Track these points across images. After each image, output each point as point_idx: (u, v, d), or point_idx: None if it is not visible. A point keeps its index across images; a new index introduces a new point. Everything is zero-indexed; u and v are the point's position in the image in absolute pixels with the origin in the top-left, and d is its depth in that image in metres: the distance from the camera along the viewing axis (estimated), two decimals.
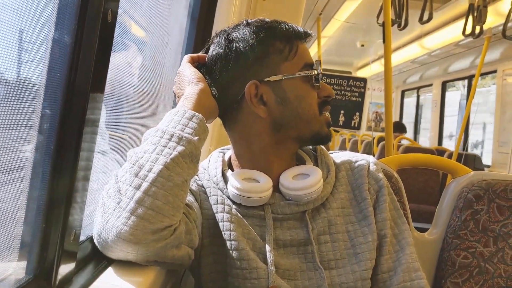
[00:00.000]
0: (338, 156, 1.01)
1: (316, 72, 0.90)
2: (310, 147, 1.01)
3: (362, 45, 6.07)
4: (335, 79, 2.20)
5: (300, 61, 0.89)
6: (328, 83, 2.31)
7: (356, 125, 2.17)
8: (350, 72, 8.29)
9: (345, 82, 2.24)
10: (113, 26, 0.63)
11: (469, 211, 1.15)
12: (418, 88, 8.08)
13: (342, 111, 2.21)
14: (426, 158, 1.24)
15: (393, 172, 1.18)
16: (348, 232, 0.90)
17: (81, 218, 0.65)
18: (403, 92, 8.77)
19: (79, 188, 0.62)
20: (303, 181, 0.88)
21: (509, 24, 3.35)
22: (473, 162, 5.05)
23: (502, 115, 4.90)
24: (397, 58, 6.48)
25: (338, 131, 7.34)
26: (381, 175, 0.96)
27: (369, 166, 0.96)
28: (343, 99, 2.21)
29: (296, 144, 0.93)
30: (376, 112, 8.68)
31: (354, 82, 2.24)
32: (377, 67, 7.20)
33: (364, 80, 2.26)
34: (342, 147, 6.67)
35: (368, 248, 0.88)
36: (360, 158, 0.98)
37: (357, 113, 2.17)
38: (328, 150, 1.06)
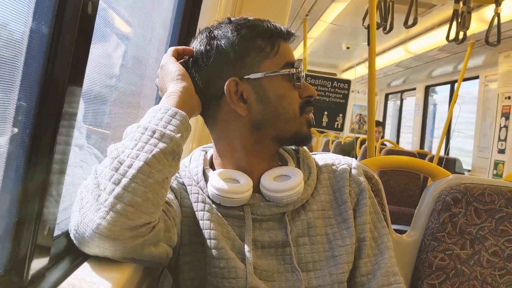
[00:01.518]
0: (320, 157, 1.01)
1: (297, 70, 0.89)
2: (293, 147, 1.01)
3: (348, 48, 6.10)
4: (320, 80, 2.20)
5: (281, 60, 0.89)
6: (312, 84, 2.34)
7: (339, 126, 2.17)
8: (335, 74, 8.32)
9: (329, 83, 2.24)
10: (93, 18, 0.62)
11: (447, 214, 1.16)
12: (401, 92, 8.17)
13: (325, 112, 2.21)
14: (407, 161, 1.25)
15: (374, 174, 1.19)
16: (327, 234, 0.91)
17: (56, 212, 0.63)
18: (387, 95, 8.86)
19: (54, 182, 0.61)
20: (284, 183, 0.88)
21: (492, 31, 3.40)
22: (454, 165, 5.13)
23: (483, 121, 4.98)
24: (382, 61, 6.53)
25: (323, 132, 7.40)
26: (362, 178, 0.96)
27: (351, 169, 0.97)
28: (326, 100, 2.21)
29: (276, 144, 0.93)
30: (360, 114, 8.74)
31: (338, 83, 2.24)
32: (362, 70, 7.26)
33: (348, 82, 2.26)
34: (326, 149, 6.70)
35: (346, 251, 0.89)
36: (343, 161, 0.98)
37: (341, 115, 2.17)
38: (312, 151, 1.06)
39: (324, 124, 1.99)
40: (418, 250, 1.19)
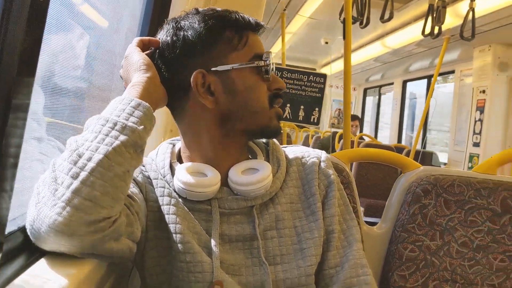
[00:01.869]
0: (291, 150, 1.01)
1: (265, 63, 0.88)
2: (264, 140, 1.01)
3: (326, 42, 6.12)
4: (296, 74, 2.19)
5: (250, 52, 0.88)
6: (288, 78, 2.32)
7: (315, 120, 2.16)
8: (314, 69, 8.36)
9: (305, 77, 2.24)
10: (45, 6, 0.60)
11: (417, 205, 1.17)
12: (380, 87, 8.24)
13: (302, 107, 2.21)
14: (378, 153, 1.25)
15: (345, 166, 1.19)
16: (296, 227, 0.90)
17: (8, 207, 0.61)
18: (365, 90, 8.92)
19: (6, 177, 0.58)
20: (252, 176, 0.88)
21: (467, 26, 3.44)
22: (431, 159, 5.21)
23: (458, 116, 5.06)
24: (360, 56, 6.57)
25: (303, 127, 7.44)
26: (331, 171, 0.96)
27: (320, 162, 0.96)
28: (303, 94, 2.21)
29: (245, 137, 0.92)
30: (339, 109, 8.80)
31: (314, 77, 2.23)
32: (341, 65, 7.29)
33: (324, 76, 2.26)
34: (306, 143, 6.73)
35: (314, 244, 0.88)
36: (313, 154, 0.98)
37: (317, 109, 2.17)
38: (291, 144, 1.05)
39: (300, 118, 1.99)
40: (389, 242, 1.20)
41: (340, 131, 6.01)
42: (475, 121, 4.51)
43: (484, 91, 4.39)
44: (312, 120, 2.29)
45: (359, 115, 8.43)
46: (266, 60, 0.88)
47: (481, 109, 4.43)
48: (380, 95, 8.31)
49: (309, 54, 7.52)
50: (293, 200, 0.92)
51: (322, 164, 0.96)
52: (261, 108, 0.89)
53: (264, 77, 0.89)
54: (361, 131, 8.43)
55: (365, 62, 6.74)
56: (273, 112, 0.91)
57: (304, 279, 0.86)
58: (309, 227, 0.90)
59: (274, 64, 0.93)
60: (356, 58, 6.66)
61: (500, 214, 1.17)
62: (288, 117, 2.30)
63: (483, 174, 1.24)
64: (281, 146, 1.02)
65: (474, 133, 4.50)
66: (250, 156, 0.97)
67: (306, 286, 0.86)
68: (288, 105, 2.28)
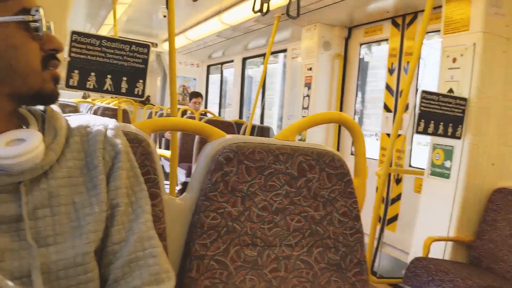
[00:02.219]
0: (75, 119, 0.91)
1: (33, 18, 0.77)
2: (42, 108, 0.89)
3: (165, 16, 5.96)
4: (117, 43, 2.05)
5: (15, 5, 0.77)
6: (108, 47, 2.16)
7: (139, 92, 2.05)
8: (156, 44, 8.13)
9: (127, 47, 2.09)
10: None
11: (219, 173, 1.16)
12: (221, 64, 8.37)
13: (124, 78, 2.07)
14: (180, 122, 1.22)
15: (146, 137, 1.13)
16: (74, 203, 0.82)
17: None
18: (208, 67, 8.99)
19: None
20: (15, 147, 0.76)
21: (294, 5, 3.61)
22: (268, 133, 5.50)
23: (290, 91, 5.38)
24: (201, 32, 6.56)
25: (146, 103, 7.23)
26: (119, 140, 0.89)
27: (107, 131, 0.89)
28: (125, 65, 2.07)
29: (12, 103, 0.81)
30: (183, 86, 8.75)
31: (137, 47, 2.10)
32: (184, 40, 7.20)
33: (147, 46, 2.15)
34: None
35: (93, 220, 0.81)
36: (99, 123, 0.90)
37: (141, 81, 2.06)
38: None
39: (123, 90, 1.86)
40: (193, 213, 1.18)
41: (183, 107, 5.99)
42: (304, 97, 4.84)
43: (311, 69, 4.72)
44: (136, 92, 2.18)
45: (204, 93, 8.51)
46: (35, 15, 0.78)
47: (308, 85, 4.77)
48: (222, 72, 8.45)
49: (149, 28, 7.27)
50: (72, 174, 0.84)
51: (109, 133, 0.89)
52: (31, 70, 0.79)
53: (34, 34, 0.78)
54: (206, 107, 8.52)
55: (208, 38, 6.75)
56: (47, 74, 0.82)
57: (80, 258, 0.78)
58: (90, 202, 0.83)
59: (50, 23, 0.82)
60: (198, 33, 6.63)
61: (297, 178, 1.24)
62: (110, 90, 2.15)
63: (282, 140, 1.29)
64: (65, 115, 0.92)
65: (303, 107, 4.83)
66: (24, 126, 0.85)
67: (83, 266, 0.79)
68: (109, 76, 2.13)
